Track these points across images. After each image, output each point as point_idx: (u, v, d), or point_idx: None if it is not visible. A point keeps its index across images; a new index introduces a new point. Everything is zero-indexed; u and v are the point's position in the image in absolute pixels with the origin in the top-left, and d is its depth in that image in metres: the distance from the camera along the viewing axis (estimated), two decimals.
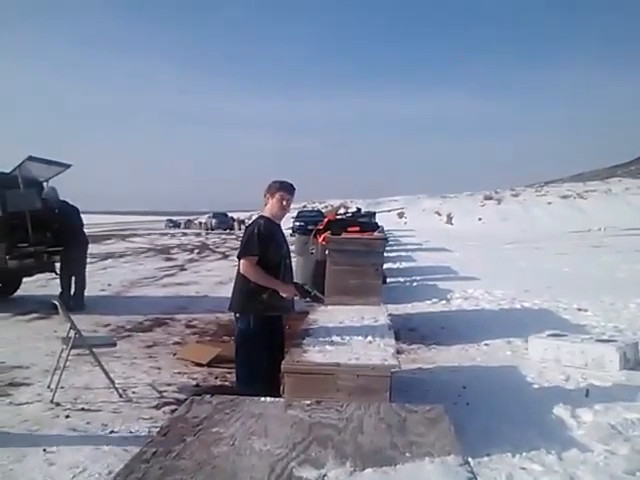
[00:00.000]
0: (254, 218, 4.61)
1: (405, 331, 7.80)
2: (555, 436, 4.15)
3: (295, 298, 4.54)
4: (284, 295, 4.26)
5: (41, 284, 11.92)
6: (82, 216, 10.40)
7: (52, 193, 10.04)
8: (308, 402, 2.17)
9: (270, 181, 4.44)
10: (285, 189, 4.37)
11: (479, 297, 10.68)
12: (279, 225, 4.51)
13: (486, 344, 7.01)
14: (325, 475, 1.55)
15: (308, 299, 4.97)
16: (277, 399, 2.41)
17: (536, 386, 5.38)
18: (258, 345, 4.16)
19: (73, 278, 9.86)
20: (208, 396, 2.21)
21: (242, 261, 4.21)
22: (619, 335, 7.06)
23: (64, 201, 10.03)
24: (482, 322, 8.36)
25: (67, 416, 4.68)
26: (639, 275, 13.45)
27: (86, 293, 10.30)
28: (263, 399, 2.24)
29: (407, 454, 1.72)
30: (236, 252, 4.54)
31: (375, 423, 1.98)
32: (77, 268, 9.92)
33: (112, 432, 4.35)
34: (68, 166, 10.68)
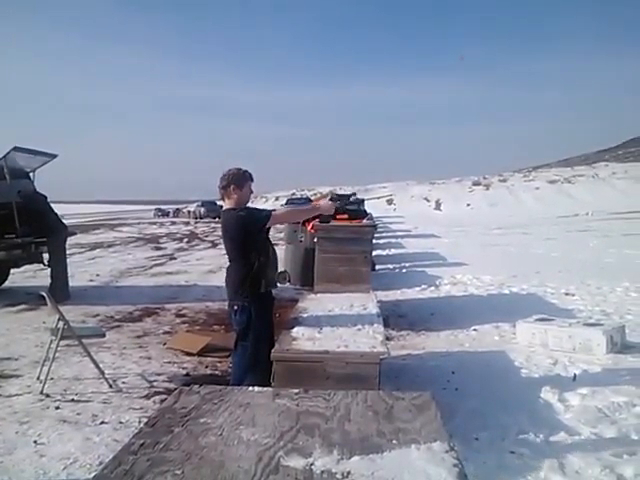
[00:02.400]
0: (226, 211, 4.32)
1: (394, 317, 7.84)
2: (543, 420, 4.18)
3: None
4: (325, 212, 4.45)
5: (29, 275, 11.87)
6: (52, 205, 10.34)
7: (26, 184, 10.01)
8: (296, 391, 2.18)
9: (227, 171, 4.27)
10: (251, 178, 4.30)
11: (468, 283, 10.73)
12: None
13: (475, 329, 7.05)
14: (312, 464, 1.56)
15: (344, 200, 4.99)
16: (265, 388, 2.42)
17: (524, 370, 5.41)
18: (261, 334, 4.17)
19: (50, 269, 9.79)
20: (196, 386, 2.22)
21: (273, 216, 4.19)
22: (606, 319, 7.13)
23: (37, 192, 9.99)
24: (471, 308, 8.41)
25: (57, 407, 4.67)
26: (626, 259, 13.57)
27: (75, 283, 10.25)
28: (251, 389, 2.25)
29: (394, 441, 1.73)
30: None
31: (362, 411, 2.00)
32: (55, 258, 9.84)
33: (102, 423, 4.34)
34: (54, 156, 10.61)
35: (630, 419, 4.16)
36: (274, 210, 4.32)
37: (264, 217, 4.18)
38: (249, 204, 4.40)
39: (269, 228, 4.35)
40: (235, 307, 4.22)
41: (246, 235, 4.16)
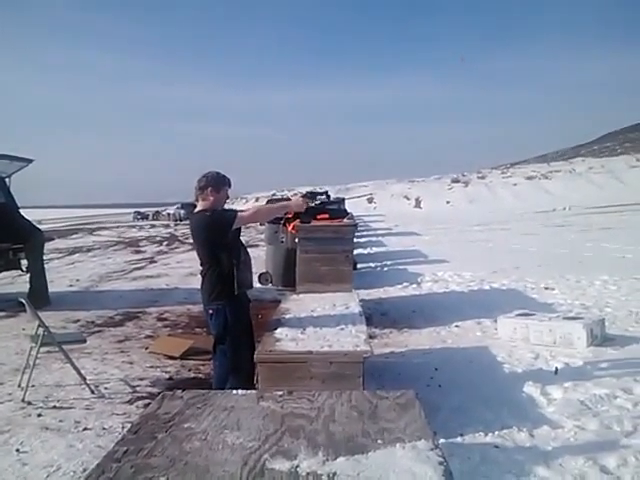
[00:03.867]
0: (195, 214, 4.31)
1: (377, 316, 7.86)
2: (526, 414, 4.22)
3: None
4: (296, 209, 4.43)
5: (7, 282, 11.71)
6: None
7: None
8: (280, 393, 2.17)
9: (206, 174, 4.25)
10: (229, 184, 4.29)
11: (449, 279, 10.79)
12: None
13: (457, 326, 7.08)
14: (298, 466, 1.56)
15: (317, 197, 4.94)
16: (249, 391, 2.41)
17: (506, 365, 5.45)
18: (238, 336, 4.15)
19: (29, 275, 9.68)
20: (179, 391, 2.21)
21: (239, 217, 4.15)
22: (586, 312, 7.21)
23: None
24: (452, 304, 8.45)
25: (39, 415, 4.61)
26: (604, 253, 13.73)
27: (55, 289, 10.14)
28: (235, 392, 2.24)
29: (379, 441, 1.74)
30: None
31: (347, 411, 2.00)
32: (33, 264, 9.72)
33: (85, 429, 4.30)
34: (30, 161, 10.50)
35: (612, 411, 4.21)
36: (242, 211, 4.29)
37: (231, 217, 4.16)
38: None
39: (239, 229, 4.33)
40: (210, 311, 4.20)
41: (214, 236, 4.14)
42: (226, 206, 4.43)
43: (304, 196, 4.44)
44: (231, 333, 4.13)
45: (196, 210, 4.31)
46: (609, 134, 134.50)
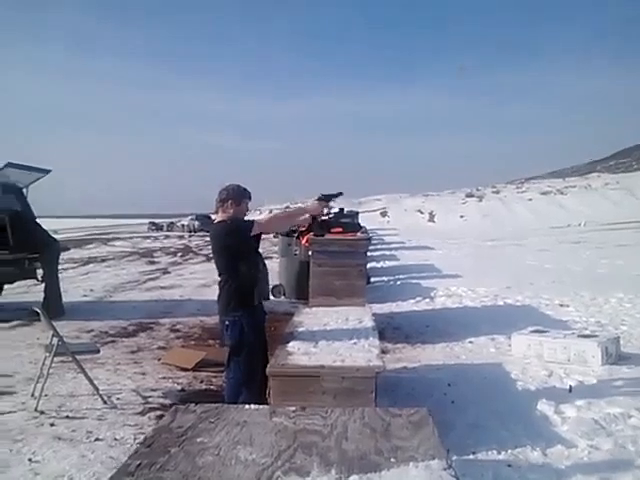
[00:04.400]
0: (219, 222, 4.33)
1: (390, 330, 7.83)
2: (540, 432, 4.18)
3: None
4: (313, 212, 4.45)
5: (22, 291, 11.79)
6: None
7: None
8: (293, 408, 2.17)
9: (227, 186, 4.31)
10: (249, 197, 4.35)
11: (462, 294, 10.73)
12: None
13: (470, 342, 7.04)
14: None
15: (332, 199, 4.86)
16: (261, 406, 2.41)
17: (520, 383, 5.41)
18: (254, 348, 4.15)
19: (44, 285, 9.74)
20: (192, 405, 2.21)
21: (258, 222, 4.22)
22: (601, 330, 7.15)
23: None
24: (466, 320, 8.40)
25: (52, 424, 4.63)
26: (619, 270, 13.60)
27: (69, 299, 10.20)
28: (248, 407, 2.24)
29: (392, 459, 1.73)
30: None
31: (359, 428, 1.99)
32: (48, 274, 9.77)
33: (97, 439, 4.31)
34: (48, 172, 10.60)
35: (626, 430, 4.17)
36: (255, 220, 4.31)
37: (249, 224, 4.19)
38: None
39: (259, 240, 4.37)
40: (226, 322, 4.20)
41: (234, 243, 4.16)
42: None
43: (319, 199, 4.45)
44: (247, 345, 4.13)
45: (216, 221, 4.35)
46: (625, 150, 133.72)
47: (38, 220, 10.41)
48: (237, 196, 4.27)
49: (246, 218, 4.38)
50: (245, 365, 4.14)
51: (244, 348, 4.13)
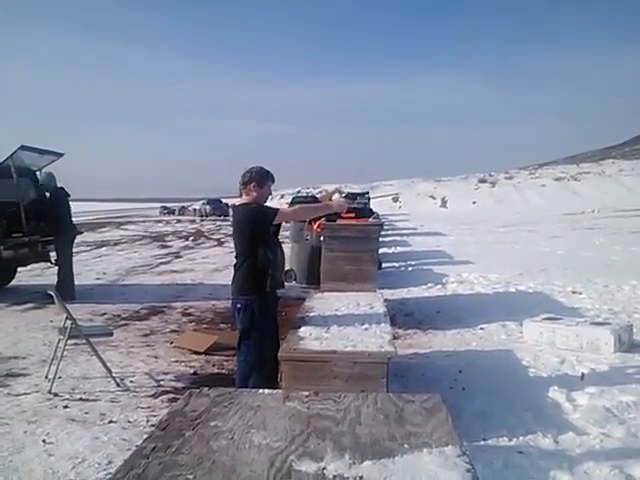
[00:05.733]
0: (239, 206, 4.37)
1: (401, 316, 7.84)
2: (551, 420, 4.18)
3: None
4: (338, 210, 4.41)
5: (36, 274, 11.90)
6: (71, 204, 10.23)
7: (49, 179, 9.96)
8: (306, 393, 2.18)
9: (250, 169, 4.31)
10: (272, 180, 4.35)
11: (474, 281, 10.71)
12: None
13: (481, 328, 7.03)
14: (324, 468, 1.56)
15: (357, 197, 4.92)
16: (275, 391, 2.42)
17: (531, 370, 5.40)
18: (265, 332, 4.17)
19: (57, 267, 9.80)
20: (206, 389, 2.22)
21: (280, 212, 4.22)
22: (613, 318, 7.10)
23: (61, 188, 9.93)
24: (477, 306, 8.39)
25: (65, 406, 4.68)
26: (633, 257, 13.52)
27: (82, 282, 10.26)
28: (261, 391, 2.25)
29: (405, 445, 1.73)
30: (231, 238, 4.51)
31: (373, 414, 1.99)
32: (62, 257, 9.83)
33: (111, 422, 4.34)
34: (61, 155, 10.64)
35: (639, 419, 4.15)
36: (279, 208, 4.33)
37: (273, 212, 4.20)
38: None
39: (279, 227, 4.39)
40: (238, 305, 4.20)
41: (255, 229, 4.17)
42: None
43: (346, 196, 4.46)
44: (257, 329, 4.14)
45: (238, 203, 4.37)
46: None
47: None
48: (260, 178, 4.26)
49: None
50: (255, 349, 4.15)
51: (255, 331, 4.14)
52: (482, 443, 3.80)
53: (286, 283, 4.79)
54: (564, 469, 3.39)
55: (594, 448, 3.71)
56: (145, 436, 1.80)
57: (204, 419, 1.91)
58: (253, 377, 4.08)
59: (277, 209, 4.26)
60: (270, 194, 4.39)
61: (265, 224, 4.18)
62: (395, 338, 5.27)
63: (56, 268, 9.86)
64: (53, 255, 10.13)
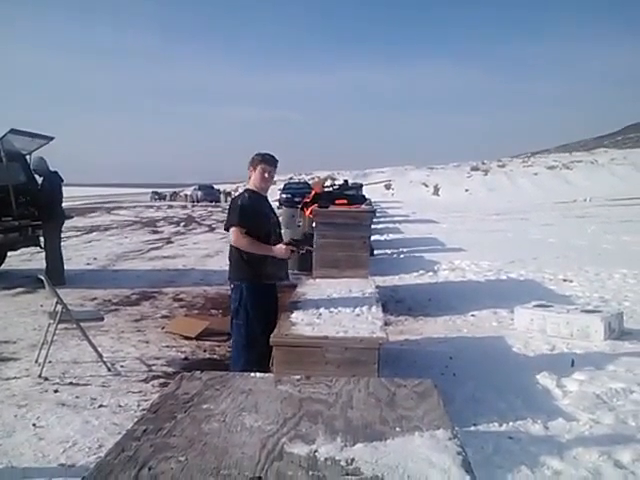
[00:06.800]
0: (240, 191, 4.59)
1: (392, 303, 7.85)
2: (541, 405, 4.21)
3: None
4: (279, 256, 4.30)
5: (26, 258, 11.84)
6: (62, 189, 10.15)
7: (41, 164, 9.87)
8: (298, 377, 2.17)
9: (253, 154, 4.44)
10: (266, 162, 4.37)
11: (465, 268, 10.73)
12: (265, 197, 4.55)
13: (472, 315, 7.07)
14: (316, 451, 1.56)
15: (302, 252, 4.89)
16: (267, 374, 2.42)
17: (522, 356, 5.44)
18: (252, 313, 4.21)
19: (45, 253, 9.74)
20: (198, 372, 2.21)
21: (231, 231, 4.26)
22: (604, 305, 7.16)
23: (55, 172, 9.86)
24: (468, 293, 8.42)
25: (56, 390, 4.68)
26: (624, 246, 13.58)
27: (72, 267, 10.21)
28: (253, 375, 2.25)
29: (397, 429, 1.73)
30: (223, 224, 4.56)
31: (364, 398, 1.99)
32: (50, 242, 9.77)
33: (101, 406, 4.35)
34: (51, 138, 10.55)
35: (628, 405, 4.19)
36: (240, 226, 4.22)
37: (233, 221, 4.26)
38: (269, 186, 4.58)
39: (277, 220, 4.62)
40: (232, 285, 4.35)
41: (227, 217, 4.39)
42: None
43: (289, 243, 4.42)
44: (245, 310, 4.22)
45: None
46: (633, 125, 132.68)
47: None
48: (252, 162, 4.39)
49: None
50: (245, 329, 4.23)
51: (242, 312, 4.23)
52: (473, 429, 3.83)
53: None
54: (554, 455, 3.42)
55: (583, 434, 3.75)
56: (136, 420, 1.79)
57: (196, 402, 1.90)
58: (243, 358, 4.18)
59: (236, 223, 4.24)
60: (268, 175, 4.40)
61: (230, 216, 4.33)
62: (386, 324, 5.27)
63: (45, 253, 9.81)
64: (43, 239, 10.07)
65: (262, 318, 4.23)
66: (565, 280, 9.25)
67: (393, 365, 4.98)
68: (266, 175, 4.37)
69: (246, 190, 4.44)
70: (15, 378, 4.97)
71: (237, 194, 4.56)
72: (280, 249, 4.30)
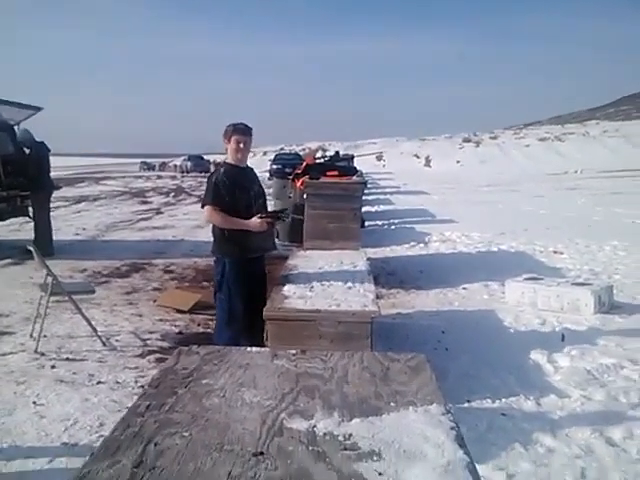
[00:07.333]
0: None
1: (384, 275, 7.88)
2: (533, 382, 4.25)
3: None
4: (255, 230, 4.16)
5: (15, 228, 11.74)
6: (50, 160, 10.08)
7: (26, 135, 9.78)
8: (293, 352, 2.20)
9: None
10: (239, 131, 4.23)
11: (457, 240, 10.78)
12: (244, 168, 4.40)
13: (464, 288, 7.10)
14: (315, 426, 1.59)
15: (282, 221, 4.80)
16: (263, 349, 2.44)
17: (513, 331, 5.48)
18: (234, 288, 4.19)
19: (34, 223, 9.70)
20: (195, 347, 2.23)
21: (205, 210, 4.22)
22: (594, 278, 7.18)
23: (41, 142, 9.77)
24: (460, 265, 8.47)
25: (53, 366, 4.66)
26: (614, 218, 13.65)
27: (61, 237, 10.15)
28: (249, 349, 2.27)
29: (391, 404, 1.75)
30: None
31: (359, 372, 2.02)
32: (39, 212, 9.72)
33: (99, 382, 4.34)
34: (39, 109, 10.46)
35: (618, 382, 4.23)
36: (214, 204, 4.15)
37: (206, 200, 4.22)
38: (245, 156, 4.39)
39: (263, 193, 4.52)
40: (215, 258, 4.36)
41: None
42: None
43: (264, 217, 4.26)
44: (227, 284, 4.21)
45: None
46: (626, 97, 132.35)
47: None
48: (225, 134, 4.27)
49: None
50: (226, 304, 4.23)
51: (225, 287, 4.22)
52: (466, 405, 3.86)
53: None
54: (546, 431, 3.46)
55: (575, 411, 3.79)
56: (136, 396, 1.81)
57: (195, 377, 1.92)
58: (224, 331, 4.22)
59: (211, 201, 4.17)
60: (242, 145, 4.25)
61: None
62: (378, 297, 5.31)
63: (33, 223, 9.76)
64: (32, 210, 10.01)
65: (245, 294, 4.20)
66: (556, 252, 9.31)
67: (385, 339, 5.01)
68: (241, 145, 4.24)
69: (224, 164, 4.37)
70: (12, 353, 4.96)
71: (213, 170, 4.47)
72: (255, 222, 4.15)
